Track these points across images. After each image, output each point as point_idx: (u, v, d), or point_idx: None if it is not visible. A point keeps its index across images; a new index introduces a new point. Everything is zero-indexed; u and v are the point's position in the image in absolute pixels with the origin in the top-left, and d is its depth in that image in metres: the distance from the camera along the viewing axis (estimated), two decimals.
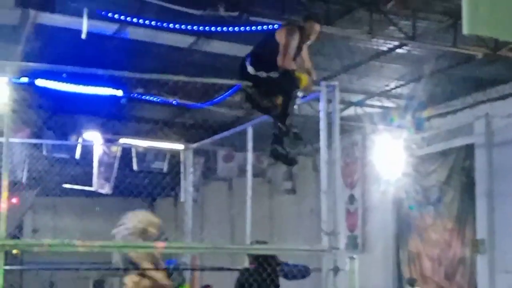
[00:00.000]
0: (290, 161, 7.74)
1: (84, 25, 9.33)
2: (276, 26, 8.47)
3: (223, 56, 11.32)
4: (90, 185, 16.11)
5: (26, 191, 14.98)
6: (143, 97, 13.50)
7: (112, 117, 15.55)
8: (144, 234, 8.07)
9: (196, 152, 11.47)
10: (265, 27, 9.56)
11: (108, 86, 12.58)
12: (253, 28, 9.74)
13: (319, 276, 7.11)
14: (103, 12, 9.66)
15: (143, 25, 10.12)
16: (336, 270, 6.50)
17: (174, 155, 12.72)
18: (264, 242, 8.97)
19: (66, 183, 16.11)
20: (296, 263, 8.77)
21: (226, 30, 10.10)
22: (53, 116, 14.72)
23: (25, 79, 11.03)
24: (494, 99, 13.00)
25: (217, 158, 17.39)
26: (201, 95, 12.53)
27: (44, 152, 13.94)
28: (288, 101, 7.06)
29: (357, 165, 16.27)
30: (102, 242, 6.02)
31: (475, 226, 13.35)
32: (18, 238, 12.76)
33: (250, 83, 7.24)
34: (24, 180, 13.30)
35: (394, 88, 13.63)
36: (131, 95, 13.12)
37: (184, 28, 10.13)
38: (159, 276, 8.12)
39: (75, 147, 14.62)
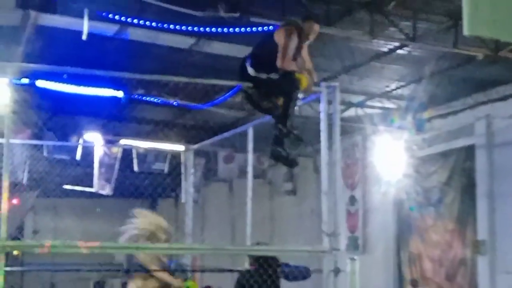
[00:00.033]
0: (290, 163, 7.74)
1: (85, 26, 9.33)
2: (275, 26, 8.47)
3: (223, 57, 11.32)
4: (91, 186, 16.11)
5: (26, 192, 14.99)
6: (143, 98, 13.51)
7: (112, 118, 15.55)
8: (152, 238, 8.09)
9: (197, 153, 11.48)
10: (265, 28, 9.56)
11: (109, 87, 12.58)
12: (254, 29, 9.75)
13: (319, 277, 7.10)
14: (103, 13, 9.66)
15: (144, 26, 10.12)
16: (337, 271, 6.50)
17: (175, 156, 12.74)
18: (265, 244, 8.97)
19: (66, 184, 16.10)
20: (296, 264, 8.76)
21: (226, 31, 10.10)
22: (54, 117, 14.72)
23: (25, 80, 11.04)
24: (495, 100, 13.00)
25: (218, 159, 17.39)
26: (202, 96, 12.53)
27: (45, 153, 13.94)
28: (289, 103, 7.06)
29: (357, 166, 16.26)
30: (103, 243, 6.01)
31: (476, 227, 13.34)
32: (19, 239, 12.74)
33: (250, 84, 7.24)
34: (24, 181, 13.30)
35: (395, 89, 13.63)
36: (132, 96, 13.12)
37: (184, 29, 10.14)
38: (166, 277, 8.13)
39: (75, 148, 14.62)
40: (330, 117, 6.89)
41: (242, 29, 9.91)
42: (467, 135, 13.63)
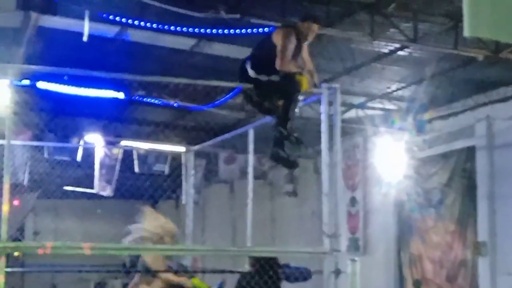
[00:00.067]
0: (290, 164, 7.74)
1: (86, 27, 9.34)
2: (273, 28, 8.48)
3: (224, 58, 11.32)
4: (92, 188, 16.11)
5: (27, 194, 15.00)
6: (144, 99, 13.51)
7: (113, 120, 15.56)
8: (160, 242, 8.07)
9: (198, 154, 11.50)
10: (266, 29, 9.56)
11: (110, 89, 12.58)
12: (254, 30, 9.75)
13: (320, 279, 7.11)
14: (104, 15, 9.66)
15: (144, 28, 10.12)
16: (337, 272, 6.50)
17: (176, 157, 12.74)
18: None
19: (67, 185, 16.12)
20: (297, 266, 8.77)
21: (227, 32, 10.10)
22: (55, 119, 14.72)
23: (26, 82, 11.05)
24: (495, 101, 12.99)
25: (219, 160, 17.39)
26: (203, 97, 12.53)
27: (46, 155, 13.94)
28: (289, 105, 7.06)
29: (358, 167, 16.26)
30: (105, 245, 6.02)
31: (477, 228, 13.34)
32: (20, 240, 12.75)
33: (251, 86, 7.25)
34: (25, 182, 13.32)
35: (396, 90, 13.63)
36: (133, 97, 13.13)
37: (185, 30, 10.14)
38: (176, 278, 8.12)
39: (76, 149, 14.62)
40: (331, 118, 6.90)
41: (243, 31, 9.91)
42: (468, 136, 13.62)
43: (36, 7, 8.91)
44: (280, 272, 8.52)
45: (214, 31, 10.14)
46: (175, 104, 13.54)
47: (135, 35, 10.68)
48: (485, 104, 13.18)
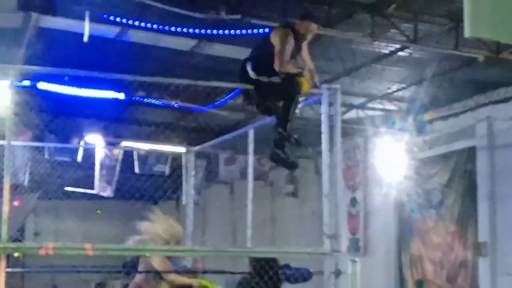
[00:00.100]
0: (290, 165, 7.74)
1: (86, 28, 9.34)
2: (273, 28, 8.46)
3: (225, 59, 11.32)
4: (92, 188, 16.10)
5: (28, 194, 14.98)
6: (145, 100, 13.51)
7: (114, 120, 15.56)
8: (166, 245, 8.05)
9: (198, 155, 11.49)
10: (266, 30, 9.55)
11: (110, 89, 12.59)
12: (255, 31, 9.75)
13: (321, 279, 7.11)
14: (105, 15, 9.67)
15: (145, 28, 10.13)
16: (338, 273, 6.50)
17: (176, 158, 12.73)
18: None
19: (67, 186, 16.10)
20: (298, 266, 8.76)
21: (228, 33, 10.10)
22: (55, 119, 14.73)
23: (27, 82, 11.05)
24: (496, 101, 13.00)
25: (219, 161, 17.39)
26: (203, 98, 12.53)
27: (46, 155, 13.94)
28: (290, 106, 7.06)
29: (358, 168, 16.26)
30: (107, 245, 6.02)
31: (477, 229, 13.33)
32: (20, 241, 12.74)
33: (251, 86, 7.24)
34: (26, 183, 13.31)
35: (396, 91, 13.63)
36: (133, 98, 13.13)
37: (186, 31, 10.15)
38: (184, 279, 8.10)
39: (77, 150, 14.62)
40: (331, 119, 6.90)
41: (244, 31, 9.91)
42: (468, 137, 13.62)
43: (37, 7, 8.90)
44: (281, 273, 8.50)
45: (214, 31, 10.15)
46: (175, 105, 13.55)
47: (135, 36, 10.69)
48: (485, 104, 13.17)
